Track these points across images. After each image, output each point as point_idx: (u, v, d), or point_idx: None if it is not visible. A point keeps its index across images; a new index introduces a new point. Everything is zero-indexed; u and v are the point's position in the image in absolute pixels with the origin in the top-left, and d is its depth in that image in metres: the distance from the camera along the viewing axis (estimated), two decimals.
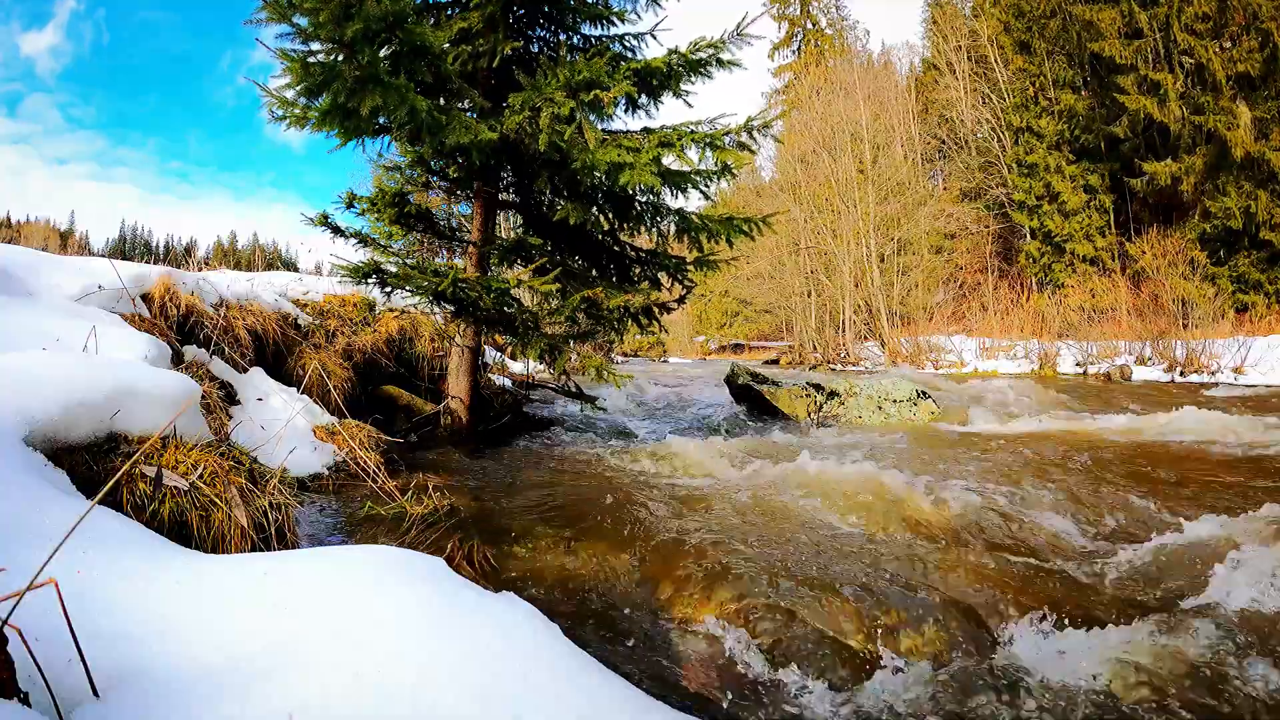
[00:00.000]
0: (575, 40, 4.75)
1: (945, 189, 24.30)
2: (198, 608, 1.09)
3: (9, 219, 68.85)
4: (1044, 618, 1.77)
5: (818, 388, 6.39)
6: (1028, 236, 20.36)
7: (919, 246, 21.81)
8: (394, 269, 4.11)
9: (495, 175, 4.70)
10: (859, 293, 21.48)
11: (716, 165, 4.16)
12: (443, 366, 5.53)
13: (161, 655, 0.95)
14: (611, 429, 5.62)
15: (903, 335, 18.95)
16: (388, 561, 1.28)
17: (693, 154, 3.93)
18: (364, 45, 3.12)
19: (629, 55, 4.66)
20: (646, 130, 4.14)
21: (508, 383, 6.85)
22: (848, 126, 22.13)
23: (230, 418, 3.14)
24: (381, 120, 3.91)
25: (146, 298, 3.83)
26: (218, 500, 1.83)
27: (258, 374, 3.81)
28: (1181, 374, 11.78)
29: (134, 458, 1.16)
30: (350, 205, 4.50)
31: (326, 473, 3.13)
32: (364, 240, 4.63)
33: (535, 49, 4.77)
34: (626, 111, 4.58)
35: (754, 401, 6.62)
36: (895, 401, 6.10)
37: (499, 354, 8.65)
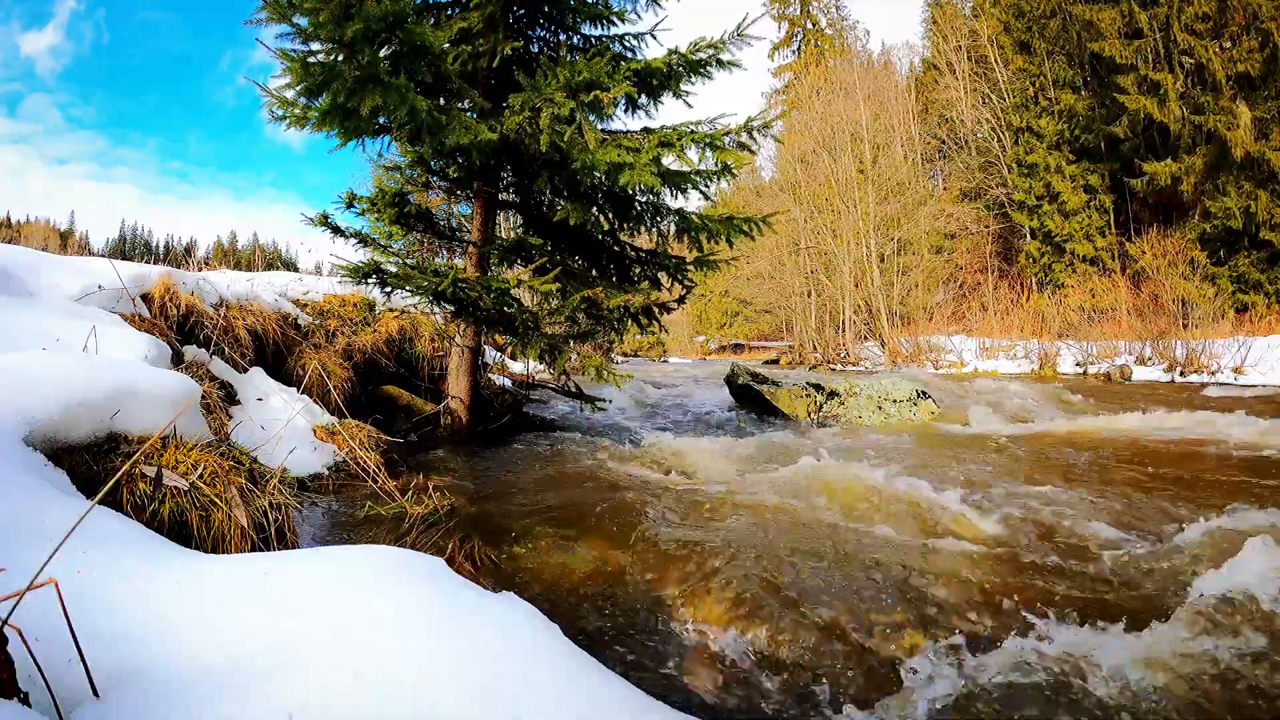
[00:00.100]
0: (575, 40, 4.75)
1: (945, 189, 24.31)
2: (198, 608, 1.09)
3: (9, 219, 68.86)
4: (1060, 616, 1.77)
5: (818, 388, 6.39)
6: (1028, 236, 20.36)
7: (919, 246, 21.81)
8: (394, 269, 4.11)
9: (495, 175, 4.70)
10: (859, 293, 21.48)
11: (716, 165, 4.16)
12: (443, 366, 5.53)
13: (161, 655, 0.95)
14: (612, 429, 5.62)
15: (903, 335, 18.95)
16: (388, 561, 1.28)
17: (693, 154, 3.94)
18: (364, 45, 3.12)
19: (629, 55, 4.66)
20: (646, 130, 4.14)
21: (508, 383, 6.85)
22: (848, 126, 22.14)
23: (230, 418, 3.14)
24: (381, 120, 3.91)
25: (146, 298, 3.83)
26: (218, 500, 1.83)
27: (258, 374, 3.81)
28: (1181, 374, 11.78)
29: (134, 458, 1.16)
30: (350, 205, 4.50)
31: (326, 473, 3.13)
32: (364, 240, 4.63)
33: (535, 49, 4.78)
34: (626, 112, 4.58)
35: (754, 401, 6.62)
36: (895, 401, 6.10)
37: (499, 354, 8.64)
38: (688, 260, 4.91)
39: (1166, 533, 2.50)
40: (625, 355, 27.69)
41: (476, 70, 4.38)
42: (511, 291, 4.22)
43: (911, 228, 21.71)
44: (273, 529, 1.96)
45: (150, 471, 1.75)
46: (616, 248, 5.02)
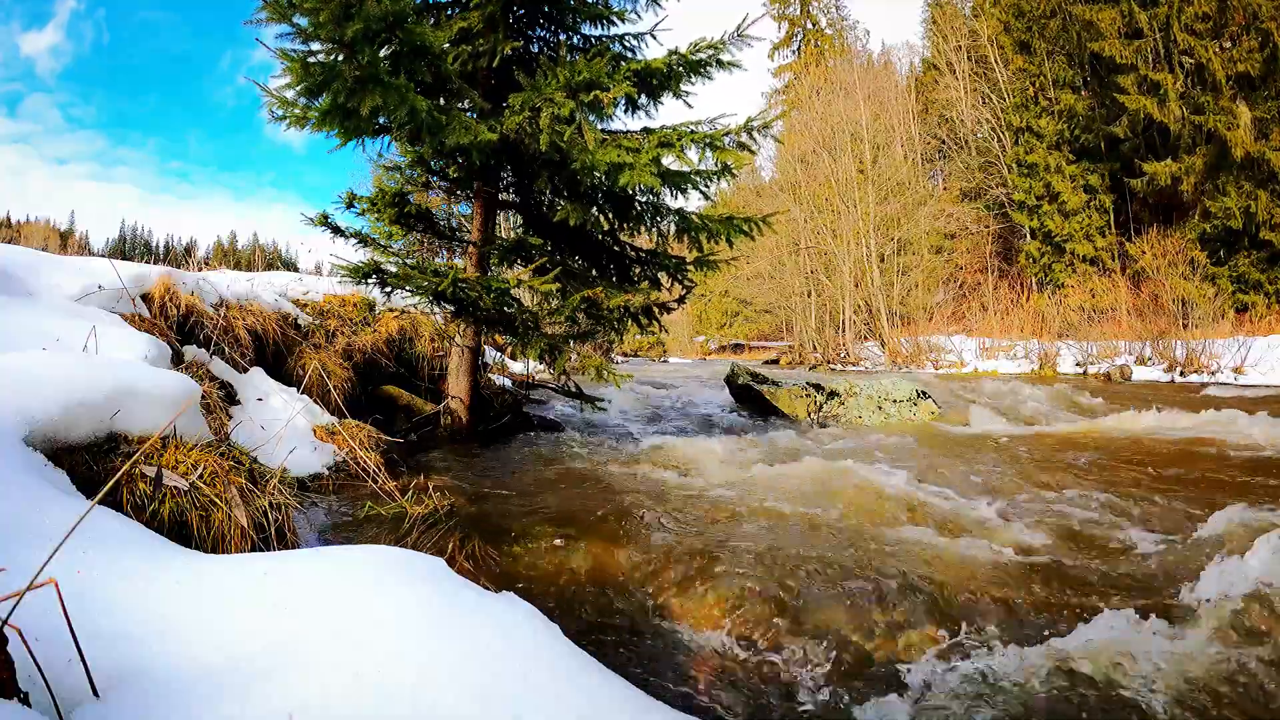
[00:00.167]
0: (575, 40, 4.75)
1: (945, 189, 24.31)
2: (198, 608, 1.09)
3: (9, 219, 68.87)
4: (1057, 616, 1.76)
5: (818, 388, 6.39)
6: (1028, 236, 20.36)
7: (919, 246, 21.81)
8: (394, 269, 4.11)
9: (495, 175, 4.70)
10: (859, 293, 21.48)
11: (716, 165, 4.16)
12: (443, 366, 5.53)
13: (161, 655, 0.95)
14: (611, 429, 5.62)
15: (903, 335, 18.96)
16: (388, 561, 1.28)
17: (692, 154, 3.94)
18: (364, 45, 3.12)
19: (629, 55, 4.66)
20: (646, 130, 4.14)
21: (508, 383, 6.85)
22: (848, 126, 22.14)
23: (230, 418, 3.14)
24: (381, 120, 3.91)
25: (146, 298, 3.83)
26: (218, 500, 1.83)
27: (258, 374, 3.81)
28: (1181, 374, 11.78)
29: (134, 458, 1.16)
30: (350, 205, 4.50)
31: (326, 473, 3.13)
32: (364, 240, 4.63)
33: (535, 49, 4.78)
34: (626, 112, 4.58)
35: (754, 401, 6.62)
36: (895, 401, 6.10)
37: (499, 354, 8.64)
38: (688, 260, 4.91)
39: (1175, 531, 2.50)
40: (625, 355, 27.70)
41: (476, 70, 4.38)
42: (511, 291, 4.22)
43: (911, 228, 21.72)
44: (273, 529, 1.96)
45: (150, 471, 1.75)
46: (616, 248, 5.02)
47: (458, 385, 4.75)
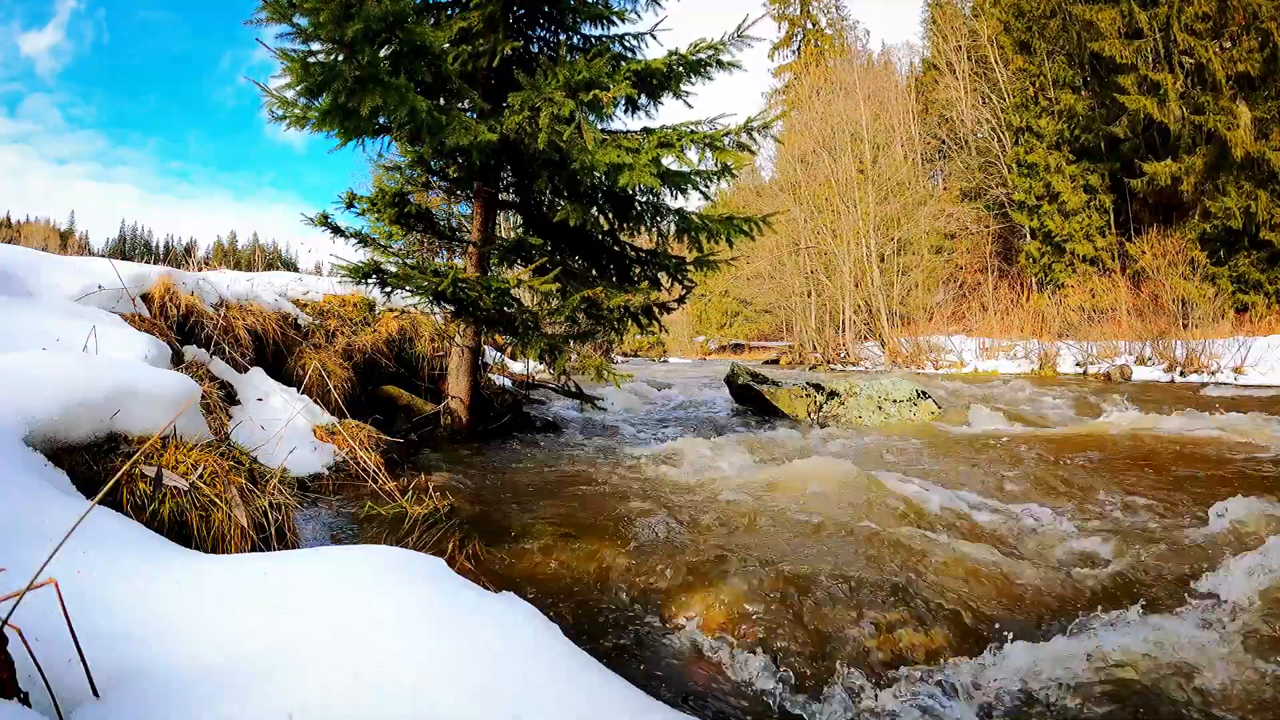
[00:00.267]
0: (575, 40, 4.76)
1: (945, 189, 24.31)
2: (198, 608, 1.09)
3: (9, 219, 68.87)
4: (1057, 618, 1.76)
5: (818, 388, 6.39)
6: (1028, 236, 20.36)
7: (919, 246, 21.82)
8: (394, 269, 4.11)
9: (495, 175, 4.70)
10: (859, 293, 21.48)
11: (716, 166, 4.17)
12: (443, 366, 5.53)
13: (161, 655, 0.95)
14: (611, 429, 5.62)
15: (903, 335, 18.96)
16: (388, 562, 1.28)
17: (692, 154, 3.94)
18: (364, 45, 3.12)
19: (629, 55, 4.66)
20: (646, 131, 4.14)
21: (508, 383, 6.85)
22: (848, 126, 22.14)
23: (230, 418, 3.14)
24: (381, 120, 3.91)
25: (146, 298, 3.83)
26: (218, 500, 1.83)
27: (258, 374, 3.81)
28: (1181, 374, 11.78)
29: (134, 458, 1.16)
30: (350, 205, 4.50)
31: (326, 473, 3.13)
32: (364, 240, 4.63)
33: (535, 49, 4.78)
34: (626, 112, 4.58)
35: (754, 401, 6.62)
36: (895, 401, 6.10)
37: (499, 354, 8.64)
38: (688, 260, 4.91)
39: (1201, 528, 2.49)
40: (625, 355, 27.70)
41: (476, 70, 4.38)
42: (511, 291, 4.22)
43: (911, 228, 21.72)
44: (273, 529, 1.96)
45: (150, 471, 1.75)
46: (616, 248, 5.02)
47: (458, 385, 4.75)
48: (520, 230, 5.51)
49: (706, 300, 35.10)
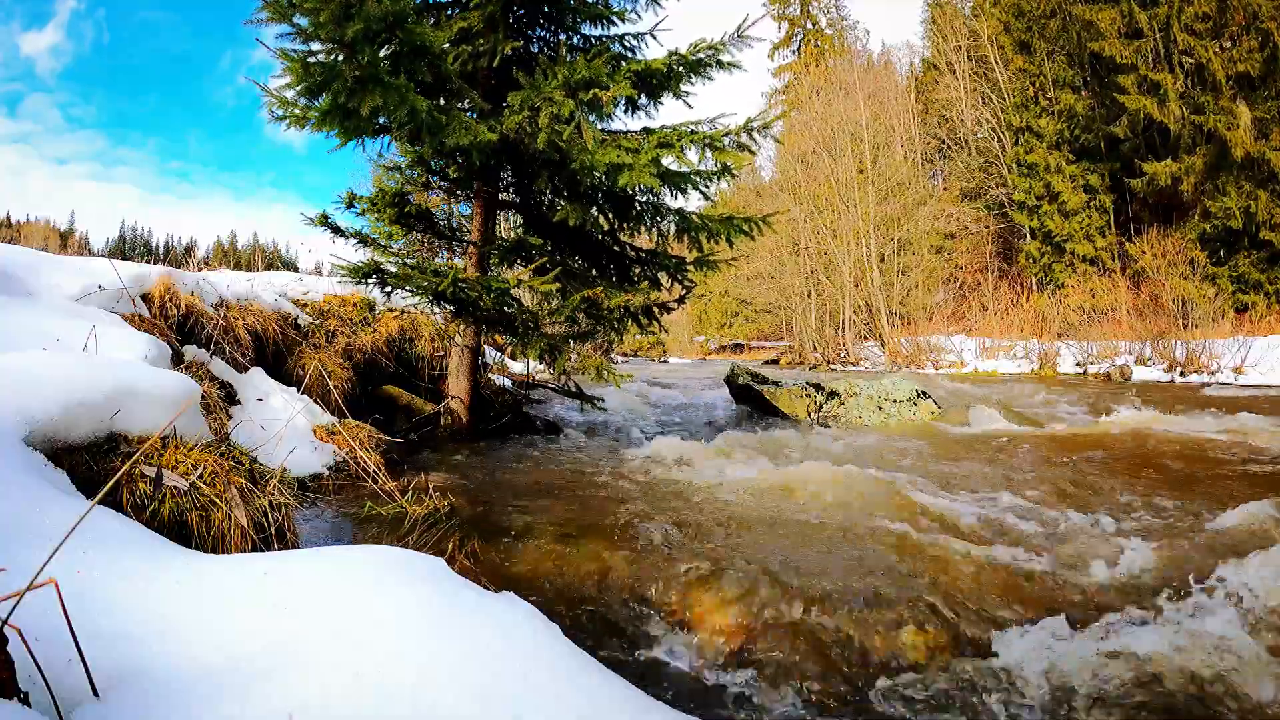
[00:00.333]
0: (575, 40, 4.76)
1: (945, 189, 24.31)
2: (198, 608, 1.09)
3: (9, 219, 68.87)
4: (1054, 618, 1.76)
5: (818, 388, 6.39)
6: (1028, 236, 20.36)
7: (919, 246, 21.82)
8: (394, 269, 4.11)
9: (495, 175, 4.70)
10: (859, 293, 21.48)
11: (716, 166, 4.17)
12: (443, 366, 5.53)
13: (161, 655, 0.95)
14: (611, 429, 5.62)
15: (903, 335, 18.96)
16: (388, 561, 1.28)
17: (692, 155, 3.94)
18: (364, 45, 3.12)
19: (629, 55, 4.66)
20: (646, 131, 4.14)
21: (508, 383, 6.85)
22: (848, 126, 22.14)
23: (230, 418, 3.14)
24: (381, 120, 3.91)
25: (146, 298, 3.83)
26: (218, 500, 1.83)
27: (258, 374, 3.81)
28: (1181, 374, 11.78)
29: (134, 458, 1.16)
30: (350, 205, 4.50)
31: (327, 473, 3.14)
32: (364, 240, 4.63)
33: (535, 49, 4.78)
34: (626, 112, 4.58)
35: (754, 401, 6.62)
36: (895, 401, 6.10)
37: (499, 354, 8.65)
38: (688, 260, 4.91)
39: (1207, 527, 2.49)
40: (625, 355, 27.70)
41: (476, 70, 4.38)
42: (511, 291, 4.22)
43: (911, 228, 21.72)
44: (273, 529, 1.96)
45: (150, 471, 1.75)
46: (616, 248, 5.02)
47: (458, 385, 4.75)
48: (520, 230, 5.51)
49: (706, 300, 35.11)
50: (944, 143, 24.21)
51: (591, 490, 3.25)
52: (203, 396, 2.63)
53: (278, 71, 3.50)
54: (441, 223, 5.21)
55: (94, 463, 1.69)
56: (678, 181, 4.19)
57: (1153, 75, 16.18)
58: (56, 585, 0.83)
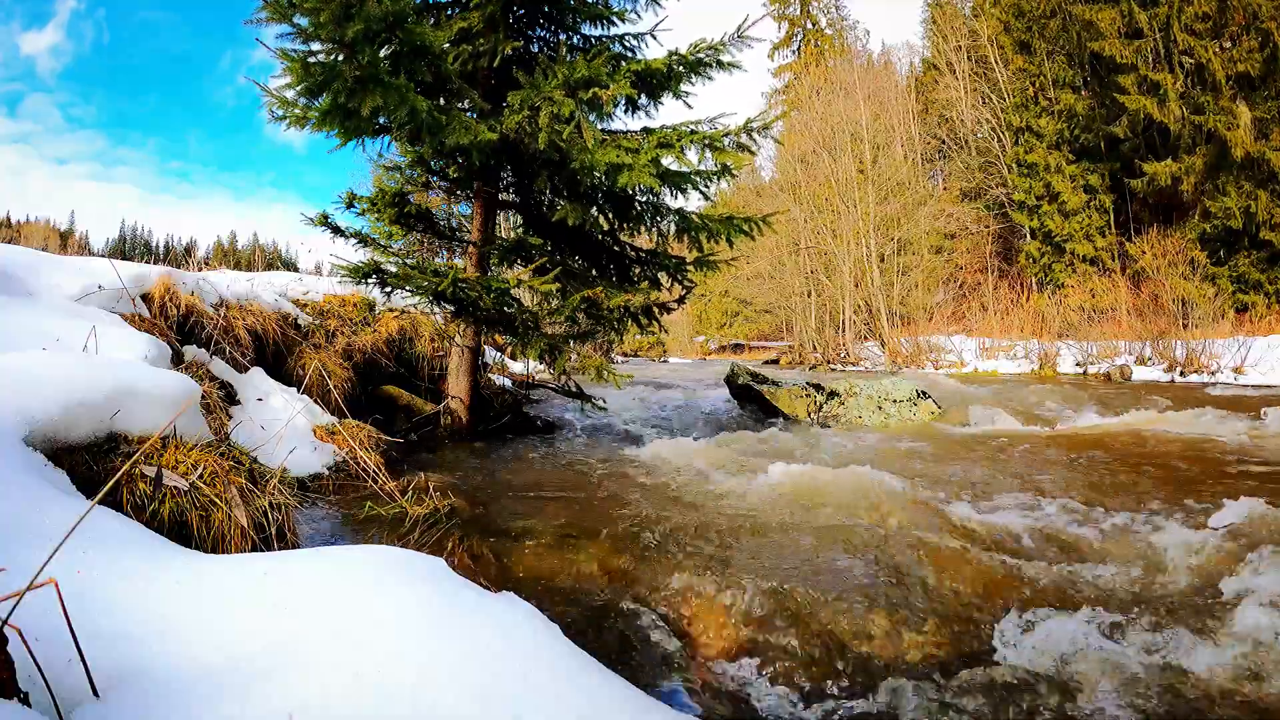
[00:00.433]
0: (575, 40, 4.76)
1: (945, 189, 24.31)
2: (198, 608, 1.09)
3: (9, 219, 68.86)
4: (1051, 616, 1.76)
5: (818, 388, 6.39)
6: (1028, 236, 20.36)
7: (919, 246, 21.81)
8: (394, 269, 4.11)
9: (495, 175, 4.70)
10: (859, 293, 21.47)
11: (716, 166, 4.17)
12: (443, 366, 5.53)
13: (161, 655, 0.95)
14: (611, 429, 5.62)
15: (903, 335, 18.96)
16: (388, 562, 1.28)
17: (692, 155, 3.94)
18: (364, 45, 3.12)
19: (629, 55, 4.66)
20: (646, 131, 4.15)
21: (508, 383, 6.85)
22: (848, 126, 22.13)
23: (230, 418, 3.14)
24: (381, 120, 3.91)
25: (146, 298, 3.83)
26: (218, 500, 1.83)
27: (258, 374, 3.81)
28: (1181, 374, 11.78)
29: (134, 458, 1.16)
30: (350, 205, 4.50)
31: (327, 473, 3.13)
32: (364, 240, 4.63)
33: (535, 49, 4.78)
34: (626, 112, 4.58)
35: (754, 401, 6.61)
36: (895, 401, 6.09)
37: (499, 354, 8.64)
38: (688, 260, 4.91)
39: (1180, 529, 2.49)
40: (625, 355, 27.71)
41: (476, 70, 4.38)
42: (511, 291, 4.22)
43: (911, 228, 21.71)
44: (273, 529, 1.96)
45: (150, 471, 1.75)
46: (616, 248, 5.02)
47: (458, 385, 4.75)
48: (520, 230, 5.51)
49: (706, 300, 35.09)
50: (944, 143, 24.21)
51: (591, 490, 3.25)
52: (203, 396, 2.63)
53: (278, 71, 3.50)
54: (441, 223, 5.21)
55: (94, 463, 1.69)
56: (677, 181, 4.19)
57: (1153, 75, 16.17)
58: (56, 585, 0.83)
